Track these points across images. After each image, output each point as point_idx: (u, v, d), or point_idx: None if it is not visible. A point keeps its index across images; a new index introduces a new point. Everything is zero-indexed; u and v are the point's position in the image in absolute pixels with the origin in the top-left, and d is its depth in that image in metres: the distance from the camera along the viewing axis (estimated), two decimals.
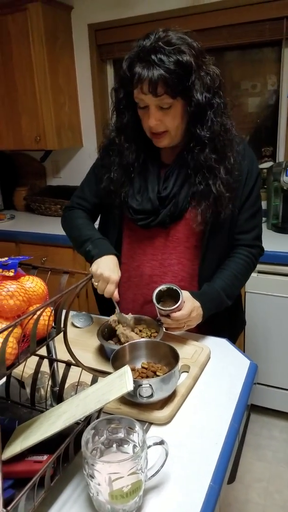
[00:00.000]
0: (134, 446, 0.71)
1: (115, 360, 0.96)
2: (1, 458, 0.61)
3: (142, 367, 0.98)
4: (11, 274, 0.74)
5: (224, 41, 2.33)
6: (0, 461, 0.61)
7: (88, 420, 0.75)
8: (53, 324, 0.77)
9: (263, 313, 2.01)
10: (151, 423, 0.88)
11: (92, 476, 0.64)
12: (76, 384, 0.88)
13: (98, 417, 0.77)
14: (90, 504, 0.69)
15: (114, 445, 0.73)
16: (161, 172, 1.21)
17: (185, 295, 1.11)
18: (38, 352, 0.75)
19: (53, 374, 0.89)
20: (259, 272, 1.96)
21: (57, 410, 0.76)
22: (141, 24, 2.41)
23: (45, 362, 0.89)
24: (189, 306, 1.10)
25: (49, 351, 0.88)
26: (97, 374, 0.84)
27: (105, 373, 0.83)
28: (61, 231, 1.44)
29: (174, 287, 1.10)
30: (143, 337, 1.10)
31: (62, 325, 0.79)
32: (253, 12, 2.20)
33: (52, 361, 0.88)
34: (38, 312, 0.69)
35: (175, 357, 0.94)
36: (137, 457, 0.64)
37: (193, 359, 1.07)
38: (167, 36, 1.03)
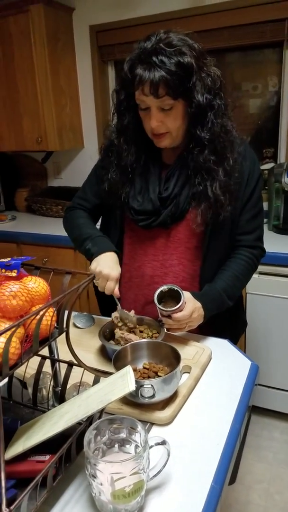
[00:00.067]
0: (136, 446, 0.71)
1: (117, 360, 0.96)
2: (3, 458, 0.62)
3: (144, 368, 0.98)
4: (14, 274, 0.74)
5: (226, 43, 2.33)
6: (2, 461, 0.61)
7: (90, 420, 0.75)
8: (55, 325, 0.77)
9: (264, 314, 2.01)
10: (152, 424, 0.88)
11: (94, 476, 0.64)
12: (78, 384, 0.88)
13: (100, 417, 0.77)
14: (92, 504, 0.70)
15: (116, 445, 0.73)
16: (162, 173, 1.22)
17: (186, 295, 1.11)
18: (40, 353, 0.75)
19: (55, 375, 0.89)
20: (260, 273, 1.96)
21: (59, 410, 0.77)
22: (142, 26, 2.42)
23: (47, 362, 0.89)
24: (190, 306, 1.10)
25: (51, 351, 0.88)
26: (99, 374, 0.84)
27: (107, 374, 0.84)
28: (62, 232, 1.44)
29: (176, 288, 1.10)
30: (144, 338, 1.11)
31: (64, 325, 0.79)
32: (254, 14, 2.20)
33: (54, 361, 0.88)
34: (41, 312, 0.69)
35: (177, 358, 0.94)
36: (139, 457, 0.65)
37: (194, 360, 1.07)
38: (168, 38, 1.03)
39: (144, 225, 1.22)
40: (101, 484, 0.64)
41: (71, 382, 0.87)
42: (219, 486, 0.74)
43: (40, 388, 0.91)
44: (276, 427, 2.18)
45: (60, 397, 0.86)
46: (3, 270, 0.75)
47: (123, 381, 0.72)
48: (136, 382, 0.82)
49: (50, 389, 0.91)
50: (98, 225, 1.38)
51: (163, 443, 0.71)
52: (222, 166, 1.12)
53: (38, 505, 0.65)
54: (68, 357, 0.84)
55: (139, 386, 0.86)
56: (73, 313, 1.33)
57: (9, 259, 0.78)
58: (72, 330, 1.24)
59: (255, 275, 1.77)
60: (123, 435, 0.72)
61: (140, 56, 1.04)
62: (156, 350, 1.03)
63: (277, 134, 2.44)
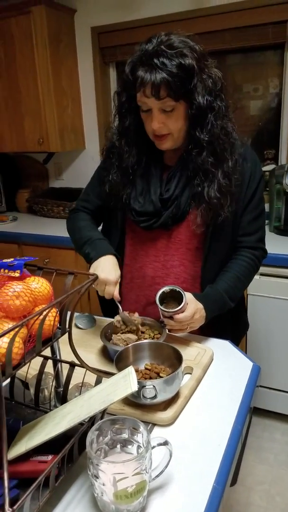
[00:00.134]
0: (138, 447, 0.71)
1: (119, 361, 0.96)
2: (6, 458, 0.62)
3: (146, 368, 0.98)
4: (17, 274, 0.75)
5: (227, 44, 2.34)
6: (5, 461, 0.61)
7: (92, 420, 0.75)
8: (58, 325, 0.78)
9: (265, 316, 2.01)
10: (154, 424, 0.88)
11: (96, 476, 0.64)
12: (80, 385, 0.88)
13: (102, 418, 0.77)
14: (94, 504, 0.70)
15: (118, 446, 0.73)
16: (163, 175, 1.22)
17: (188, 297, 1.11)
18: (42, 353, 0.75)
19: (57, 375, 0.90)
20: (262, 274, 1.97)
21: (62, 411, 0.77)
22: (144, 27, 2.43)
23: (49, 363, 0.89)
24: (192, 308, 1.10)
25: (53, 352, 0.88)
26: (101, 375, 0.84)
27: (109, 374, 0.84)
28: (63, 233, 1.45)
29: (177, 289, 1.10)
30: (146, 339, 1.11)
31: (67, 326, 0.79)
32: (256, 16, 2.21)
33: (56, 362, 0.89)
34: (44, 313, 0.69)
35: (179, 359, 0.94)
36: (142, 458, 0.65)
37: (196, 361, 1.07)
38: (169, 40, 1.04)
39: (145, 226, 1.22)
40: (104, 485, 0.64)
41: (73, 382, 0.87)
42: (221, 487, 0.74)
43: (42, 388, 0.91)
44: (277, 428, 2.18)
45: (62, 398, 0.87)
46: (6, 271, 0.75)
47: (125, 382, 0.72)
48: (138, 382, 0.82)
49: (52, 390, 0.91)
50: (100, 228, 1.38)
51: (165, 443, 0.71)
52: (221, 167, 1.12)
53: (40, 505, 0.65)
54: (70, 357, 0.84)
55: (141, 386, 0.86)
56: (75, 314, 1.33)
57: (12, 259, 0.78)
58: (73, 330, 1.25)
59: (256, 277, 1.78)
60: (125, 435, 0.73)
61: (142, 58, 1.04)
62: (158, 351, 1.03)
63: (278, 136, 2.45)
